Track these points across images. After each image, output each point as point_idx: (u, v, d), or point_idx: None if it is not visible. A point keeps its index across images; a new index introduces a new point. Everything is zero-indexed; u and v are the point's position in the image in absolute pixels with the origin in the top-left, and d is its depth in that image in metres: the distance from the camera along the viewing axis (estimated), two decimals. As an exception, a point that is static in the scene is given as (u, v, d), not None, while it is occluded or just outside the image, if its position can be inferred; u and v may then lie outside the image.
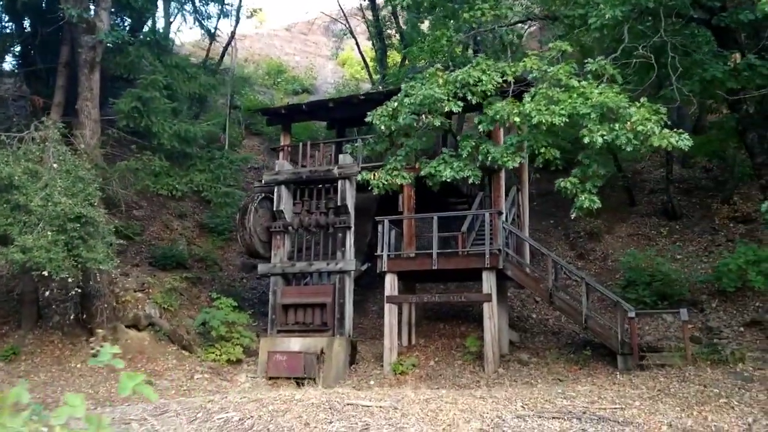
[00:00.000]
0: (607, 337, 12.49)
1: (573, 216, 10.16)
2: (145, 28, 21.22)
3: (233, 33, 25.07)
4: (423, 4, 15.52)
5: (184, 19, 42.25)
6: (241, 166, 23.10)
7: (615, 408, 8.07)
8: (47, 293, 14.07)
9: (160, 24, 23.68)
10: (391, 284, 14.18)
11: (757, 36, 11.51)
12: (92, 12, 15.57)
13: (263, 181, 16.29)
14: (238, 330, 14.81)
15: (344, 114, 17.42)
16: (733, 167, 17.61)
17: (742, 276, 13.53)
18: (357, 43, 31.14)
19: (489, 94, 10.26)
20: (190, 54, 26.91)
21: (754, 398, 8.61)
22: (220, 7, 25.04)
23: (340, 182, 15.14)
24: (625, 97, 9.04)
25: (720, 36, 11.69)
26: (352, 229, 15.10)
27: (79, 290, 13.23)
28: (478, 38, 18.40)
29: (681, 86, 10.38)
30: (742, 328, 13.19)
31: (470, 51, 20.73)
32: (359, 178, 12.21)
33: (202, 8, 24.71)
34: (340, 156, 15.84)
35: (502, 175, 14.69)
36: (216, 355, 14.49)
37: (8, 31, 19.25)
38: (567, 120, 9.05)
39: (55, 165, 12.62)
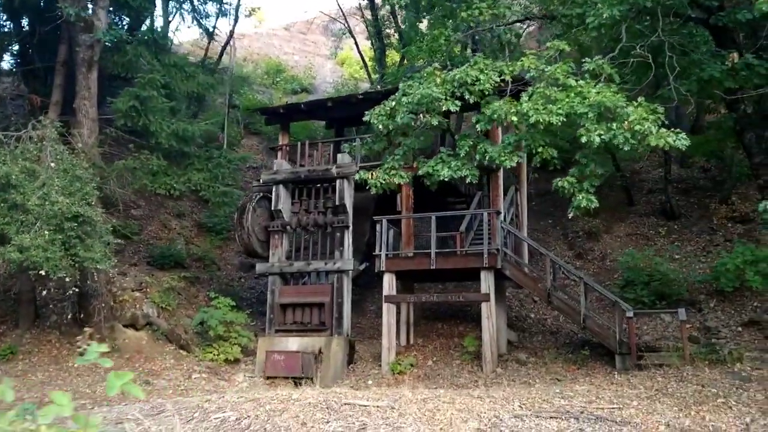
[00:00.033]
0: (606, 337, 12.48)
1: (570, 215, 10.15)
2: (143, 27, 21.15)
3: (232, 32, 25.05)
4: (421, 3, 15.52)
5: (183, 18, 42.35)
6: (240, 166, 23.11)
7: (613, 408, 8.06)
8: (44, 292, 14.03)
9: (159, 23, 23.69)
10: (389, 284, 14.17)
11: (755, 35, 11.47)
12: (90, 11, 15.56)
13: (261, 181, 16.27)
14: (236, 329, 14.79)
15: (343, 113, 17.39)
16: (731, 167, 17.62)
17: (740, 276, 13.55)
18: (356, 43, 31.11)
19: (487, 93, 10.25)
20: (188, 53, 26.89)
21: (751, 398, 8.61)
22: (218, 6, 25.06)
23: (338, 182, 15.12)
24: (622, 97, 9.03)
25: (718, 35, 11.69)
26: (350, 228, 15.08)
27: (77, 289, 13.24)
28: (477, 37, 18.39)
29: (679, 86, 10.35)
30: (740, 328, 13.19)
31: (468, 50, 20.71)
32: (357, 177, 12.19)
33: (200, 7, 24.72)
34: (339, 155, 15.79)
35: (501, 174, 14.68)
36: (214, 354, 14.48)
37: (6, 29, 19.25)
38: (564, 119, 9.04)
39: (52, 164, 12.60)
